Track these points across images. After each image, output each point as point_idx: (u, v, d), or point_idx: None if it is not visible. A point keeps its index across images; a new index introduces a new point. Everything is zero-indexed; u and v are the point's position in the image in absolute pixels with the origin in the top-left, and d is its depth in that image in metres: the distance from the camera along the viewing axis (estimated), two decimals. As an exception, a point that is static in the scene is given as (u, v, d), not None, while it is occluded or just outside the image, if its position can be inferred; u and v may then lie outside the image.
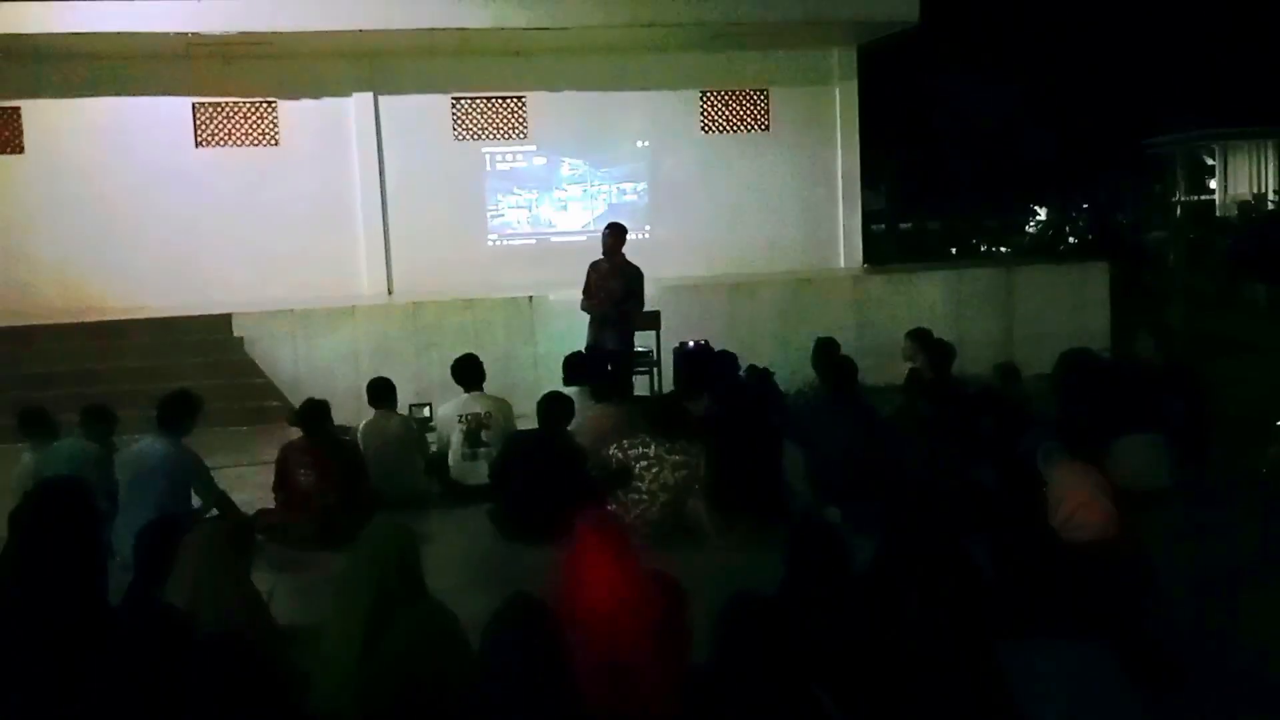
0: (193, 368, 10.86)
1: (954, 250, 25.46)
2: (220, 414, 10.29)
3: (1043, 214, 29.53)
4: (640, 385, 9.94)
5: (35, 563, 3.35)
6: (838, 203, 14.41)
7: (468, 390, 7.40)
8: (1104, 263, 13.29)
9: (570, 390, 7.55)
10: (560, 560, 3.59)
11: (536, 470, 6.13)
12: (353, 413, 8.13)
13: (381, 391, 7.28)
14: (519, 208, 13.82)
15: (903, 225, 26.83)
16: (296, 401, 10.37)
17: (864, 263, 14.46)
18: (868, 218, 15.16)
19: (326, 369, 10.90)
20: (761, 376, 8.17)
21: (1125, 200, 30.16)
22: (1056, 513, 3.98)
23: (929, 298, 12.41)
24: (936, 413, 6.86)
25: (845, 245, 14.44)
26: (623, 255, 9.12)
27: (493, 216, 13.75)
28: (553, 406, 6.48)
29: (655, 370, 10.24)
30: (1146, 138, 29.68)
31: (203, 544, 3.48)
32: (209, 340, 11.21)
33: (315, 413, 6.60)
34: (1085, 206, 29.34)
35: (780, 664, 2.65)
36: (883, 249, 20.95)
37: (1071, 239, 24.94)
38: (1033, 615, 3.53)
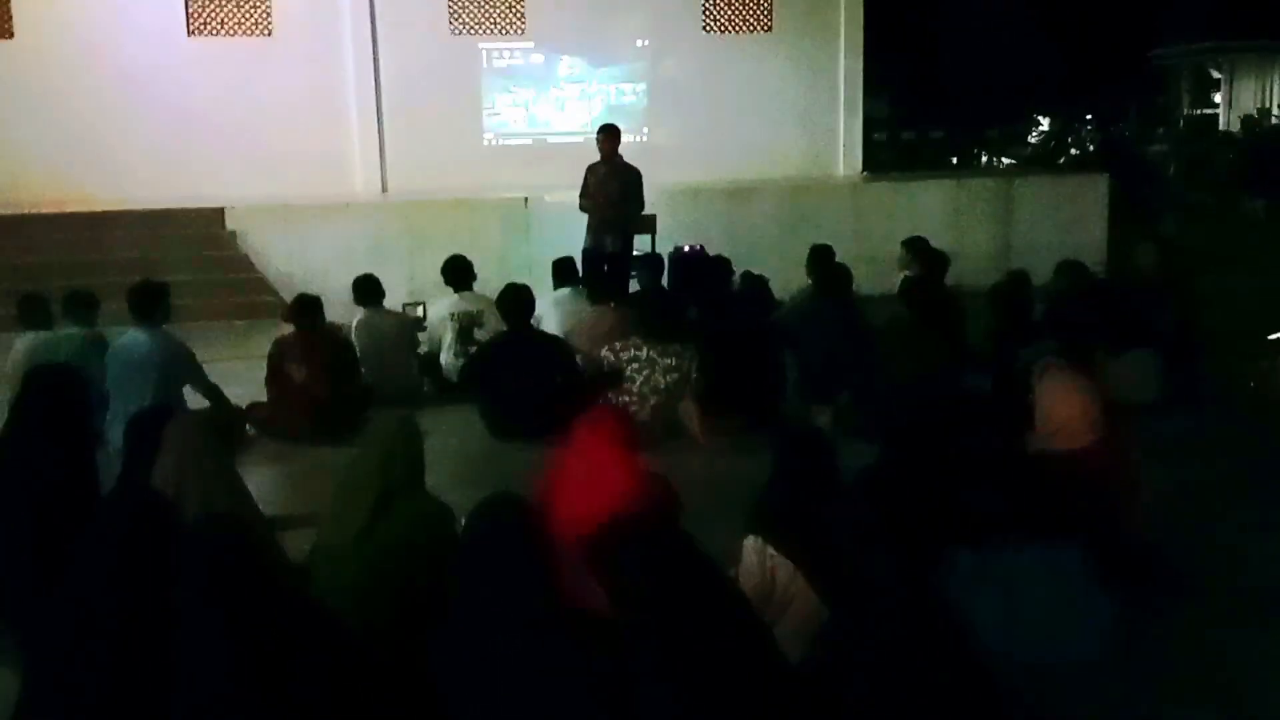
0: (184, 261, 10.82)
1: (955, 160, 25.22)
2: (213, 308, 10.32)
3: (1046, 125, 29.16)
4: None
5: (27, 448, 3.38)
6: (839, 109, 14.24)
7: (458, 290, 7.37)
8: (1103, 175, 13.18)
9: (562, 293, 7.55)
10: (556, 456, 3.61)
11: (518, 368, 6.14)
12: (346, 310, 8.11)
13: (368, 289, 7.26)
14: (516, 106, 13.64)
15: (905, 134, 26.53)
16: (289, 297, 10.41)
17: (864, 170, 14.34)
18: (870, 125, 14.99)
19: (320, 266, 10.82)
20: (755, 282, 8.15)
21: (1128, 113, 29.76)
22: (1044, 420, 4.00)
23: (928, 207, 12.34)
24: (927, 319, 6.86)
25: (845, 152, 14.32)
26: (620, 157, 9.01)
27: (489, 115, 13.57)
28: (514, 300, 6.44)
29: (651, 274, 10.17)
30: (1152, 49, 29.19)
31: (186, 432, 3.49)
32: (201, 234, 11.16)
33: (308, 307, 6.58)
34: (1089, 118, 28.96)
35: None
36: (884, 157, 20.76)
37: (1073, 151, 24.67)
38: (1009, 520, 3.59)
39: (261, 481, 5.40)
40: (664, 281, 9.98)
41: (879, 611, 2.78)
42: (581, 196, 9.12)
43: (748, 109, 13.85)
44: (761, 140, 13.81)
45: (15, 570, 3.29)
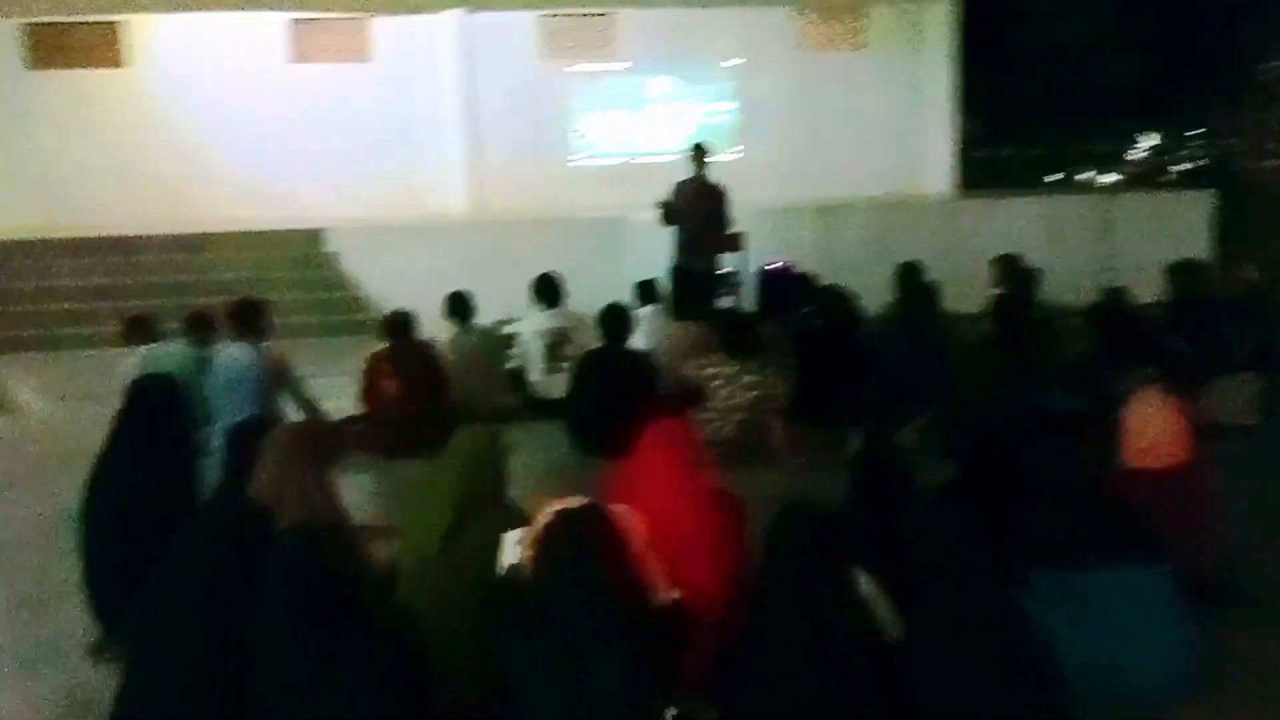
0: (286, 280, 11.19)
1: (1055, 177, 24.71)
2: (313, 326, 10.62)
3: (1146, 140, 28.43)
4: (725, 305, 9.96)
5: (127, 455, 3.55)
6: (932, 126, 14.10)
7: (548, 307, 7.48)
8: (1207, 192, 12.82)
9: (646, 310, 7.61)
10: (621, 468, 3.66)
11: (605, 385, 6.20)
12: (440, 327, 8.30)
13: (459, 306, 7.41)
14: (606, 127, 13.79)
15: (1002, 150, 26.10)
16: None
17: (957, 188, 14.17)
18: (964, 142, 14.81)
19: (415, 284, 11.01)
20: (842, 299, 8.11)
21: (1236, 128, 28.84)
22: (1132, 439, 3.92)
23: (1022, 225, 12.12)
24: (1014, 337, 6.76)
25: (938, 170, 14.15)
26: (708, 175, 9.07)
27: (578, 137, 13.74)
28: (611, 319, 6.51)
29: (739, 292, 10.21)
30: (1260, 62, 28.23)
31: (285, 442, 3.61)
32: (302, 254, 11.50)
33: (400, 324, 6.75)
34: (1194, 134, 28.14)
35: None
36: (979, 175, 20.45)
37: (1178, 167, 24.00)
38: (1090, 539, 3.52)
39: (353, 494, 5.56)
40: (752, 297, 10.07)
41: (956, 628, 2.78)
42: (667, 214, 9.17)
43: (840, 126, 13.85)
44: (853, 158, 13.77)
45: (115, 573, 3.45)
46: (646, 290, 7.90)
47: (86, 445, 3.98)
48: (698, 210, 8.94)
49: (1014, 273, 8.05)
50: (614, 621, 2.56)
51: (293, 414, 6.46)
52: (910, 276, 7.42)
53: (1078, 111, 24.67)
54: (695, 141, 9.38)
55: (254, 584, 2.72)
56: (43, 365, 9.59)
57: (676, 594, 2.98)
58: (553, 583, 2.66)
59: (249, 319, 6.35)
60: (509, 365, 7.55)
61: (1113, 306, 6.65)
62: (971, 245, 11.57)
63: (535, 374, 7.35)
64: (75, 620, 3.83)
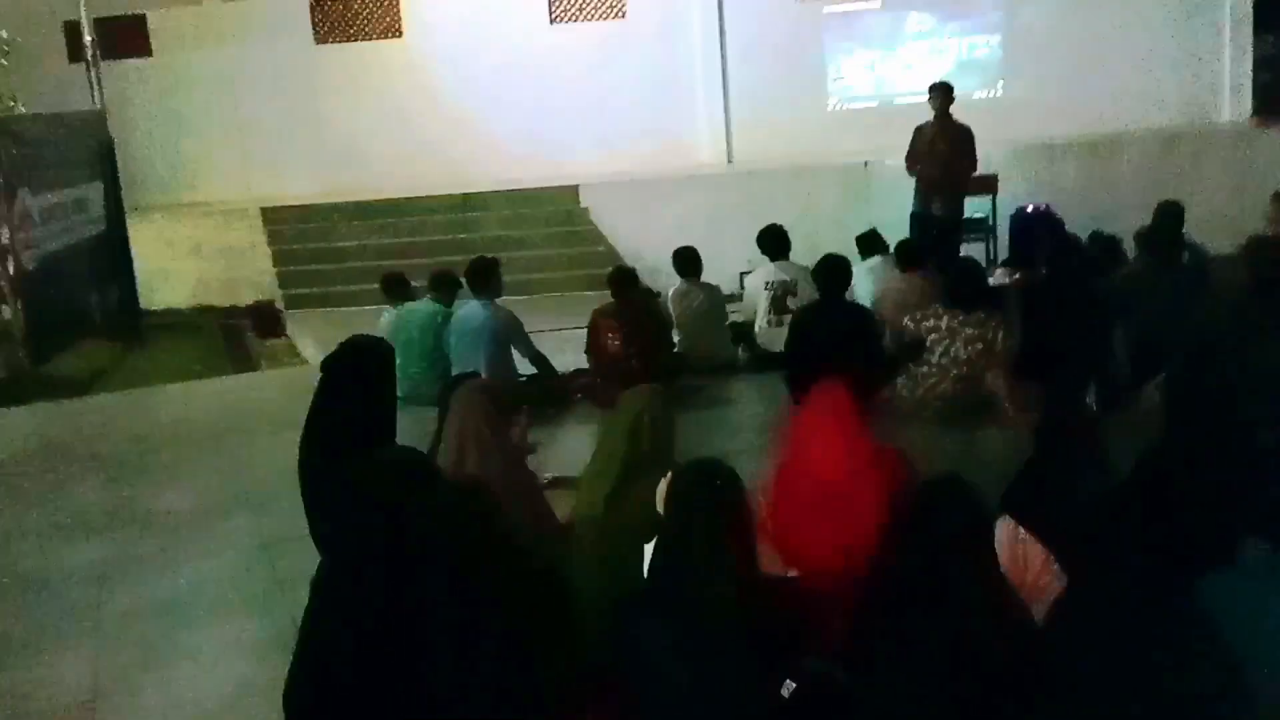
0: (544, 237, 11.70)
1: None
2: (567, 281, 11.06)
3: None
4: (975, 254, 9.53)
5: (329, 408, 3.87)
6: (1223, 47, 12.75)
7: (774, 259, 7.43)
8: None
9: (874, 260, 7.41)
10: (791, 424, 3.63)
11: (825, 339, 6.10)
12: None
13: (686, 260, 7.48)
14: (861, 69, 13.40)
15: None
16: (639, 267, 10.95)
17: (1253, 115, 12.78)
18: (1262, 65, 13.29)
19: (665, 237, 11.20)
20: (1106, 245, 7.57)
21: None
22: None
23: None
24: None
25: (1230, 96, 12.80)
26: (950, 116, 8.67)
27: (833, 80, 13.44)
28: (826, 272, 6.36)
29: (990, 238, 9.76)
30: None
31: (468, 400, 3.82)
32: (559, 211, 11.96)
33: (623, 279, 6.91)
34: None
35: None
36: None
37: None
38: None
39: (576, 446, 5.80)
40: (1004, 244, 9.59)
41: (1102, 620, 2.60)
42: (909, 159, 8.86)
43: (1114, 54, 12.75)
44: (1130, 87, 12.67)
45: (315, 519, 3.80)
46: (872, 240, 7.69)
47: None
48: (938, 154, 8.56)
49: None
50: (732, 584, 2.56)
51: (525, 368, 6.82)
52: (1161, 217, 6.81)
53: None
54: (936, 81, 8.95)
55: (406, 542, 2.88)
56: (329, 321, 10.51)
57: (793, 573, 2.91)
58: (673, 537, 2.70)
59: (482, 277, 6.70)
60: (735, 318, 7.58)
61: None
62: (1268, 180, 10.49)
63: (760, 327, 7.34)
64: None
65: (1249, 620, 3.20)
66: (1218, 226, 8.16)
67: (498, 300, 6.79)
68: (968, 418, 5.76)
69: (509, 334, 6.61)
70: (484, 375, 6.40)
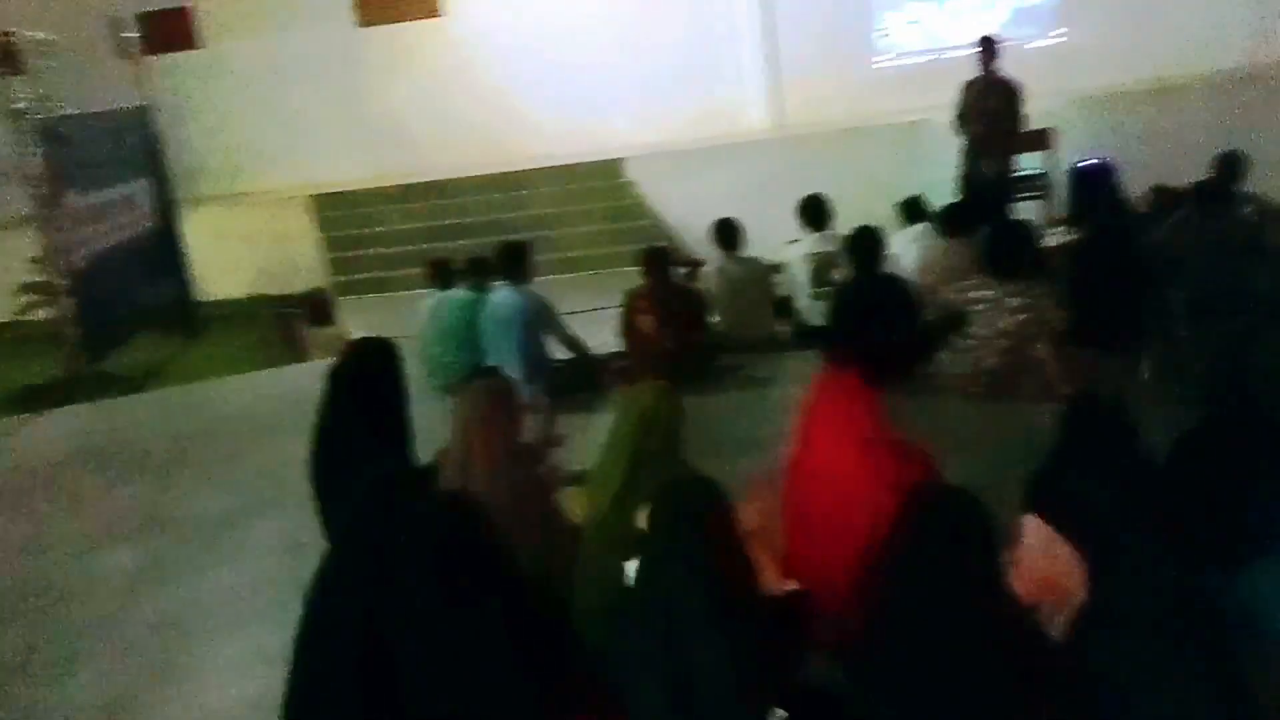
0: (589, 213, 11.55)
1: None
2: (612, 258, 10.90)
3: None
4: (1032, 212, 9.19)
5: (334, 420, 3.80)
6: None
7: (816, 230, 7.19)
8: None
9: (917, 229, 7.15)
10: (804, 408, 3.46)
11: (863, 314, 5.89)
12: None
13: (726, 233, 7.28)
14: (910, 23, 12.96)
15: None
16: (686, 241, 10.77)
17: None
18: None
19: (712, 207, 10.99)
20: (1167, 199, 7.22)
21: None
22: None
23: None
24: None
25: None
26: (998, 71, 8.31)
27: (882, 36, 13.02)
28: (859, 244, 6.12)
29: (1050, 195, 9.38)
30: None
31: (471, 399, 3.70)
32: (604, 185, 11.80)
33: (656, 258, 6.74)
34: None
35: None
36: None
37: None
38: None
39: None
40: (1064, 199, 9.19)
41: (1118, 620, 2.41)
42: (958, 116, 8.53)
43: (1179, -8, 12.11)
44: (1200, 28, 11.99)
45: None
46: (915, 207, 7.41)
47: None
48: (986, 111, 8.23)
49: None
50: (715, 606, 2.42)
51: (560, 353, 6.71)
52: (1221, 166, 6.45)
53: None
54: (983, 35, 8.59)
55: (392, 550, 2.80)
56: (374, 307, 10.52)
57: (793, 585, 2.75)
58: (652, 556, 2.56)
59: (513, 262, 6.58)
60: (778, 293, 7.36)
61: None
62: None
63: (802, 301, 7.12)
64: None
65: None
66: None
67: (530, 284, 6.67)
68: (1016, 392, 5.52)
69: (541, 320, 6.50)
70: (517, 362, 6.35)
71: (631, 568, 2.79)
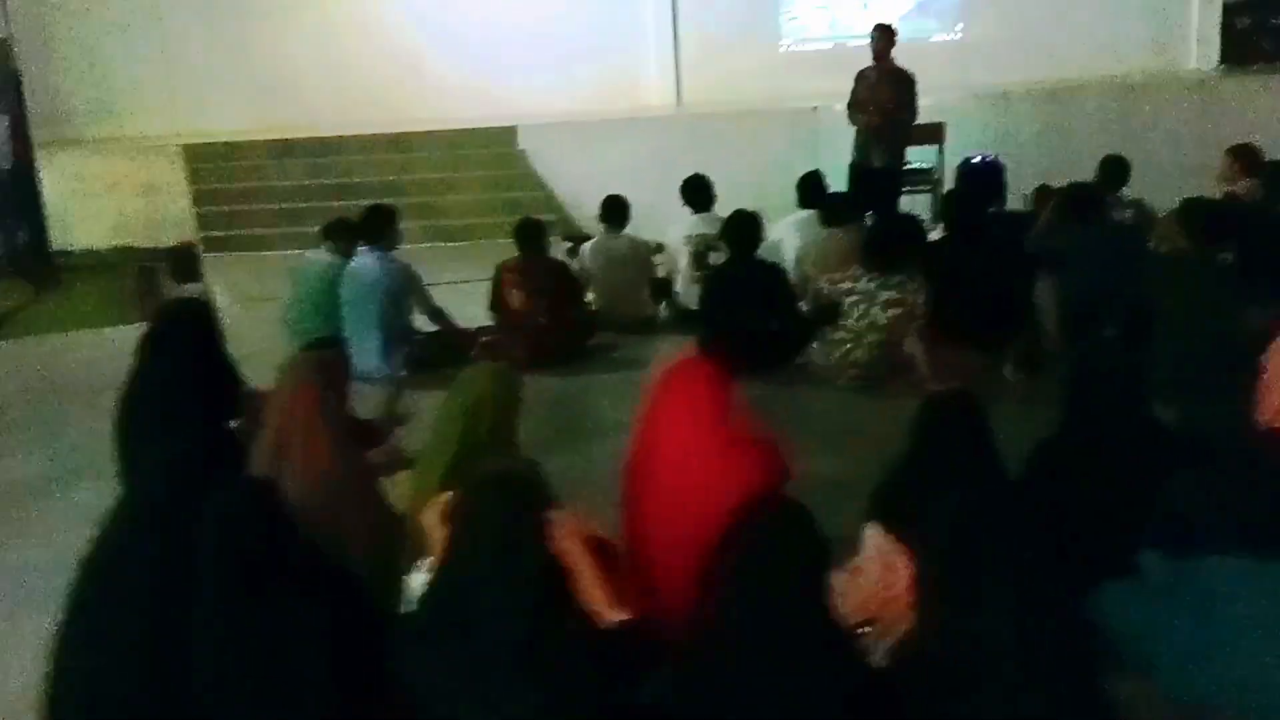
0: (478, 181, 11.18)
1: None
2: (499, 228, 10.54)
3: None
4: (920, 206, 9.12)
5: (145, 380, 3.47)
6: (1193, -10, 12.24)
7: (697, 211, 7.00)
8: None
9: (805, 214, 7.00)
10: (647, 400, 3.23)
11: (736, 300, 5.71)
12: (629, 227, 8.04)
13: (612, 210, 7.05)
14: (817, 8, 12.81)
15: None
16: (577, 215, 10.49)
17: (1221, 64, 12.30)
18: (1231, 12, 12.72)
19: (606, 183, 10.74)
20: (1050, 200, 7.17)
21: None
22: (1268, 394, 3.12)
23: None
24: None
25: (1197, 44, 12.30)
26: (893, 60, 8.19)
27: (788, 19, 12.86)
28: (734, 229, 5.94)
29: (935, 190, 9.33)
30: None
31: (292, 377, 3.40)
32: (495, 153, 11.42)
33: (529, 232, 6.48)
34: None
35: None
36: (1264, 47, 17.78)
37: None
38: (1219, 519, 2.82)
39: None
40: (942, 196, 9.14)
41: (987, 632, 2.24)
42: (850, 106, 8.40)
43: (1079, -3, 12.17)
44: (1094, 32, 12.09)
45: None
46: (813, 185, 7.24)
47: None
48: (877, 101, 8.10)
49: (1253, 166, 6.86)
50: (524, 642, 2.15)
51: (425, 325, 6.40)
52: (1105, 170, 6.44)
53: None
54: (879, 23, 8.45)
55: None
56: (248, 265, 10.02)
57: (625, 615, 2.50)
58: (448, 567, 2.31)
59: (377, 226, 6.25)
60: (658, 274, 7.15)
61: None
62: (1233, 132, 10.07)
63: (681, 283, 6.93)
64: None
65: (1149, 632, 2.91)
66: (1179, 179, 7.80)
67: (395, 251, 6.35)
68: (886, 387, 5.41)
69: (405, 289, 6.18)
70: (376, 333, 6.03)
71: (417, 580, 2.53)
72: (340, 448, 3.39)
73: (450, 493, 2.62)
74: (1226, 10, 12.40)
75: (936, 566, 2.47)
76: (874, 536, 2.91)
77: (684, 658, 2.36)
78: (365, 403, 4.94)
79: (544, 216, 10.52)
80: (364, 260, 6.18)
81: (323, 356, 3.56)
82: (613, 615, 2.43)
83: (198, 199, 11.11)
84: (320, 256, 6.68)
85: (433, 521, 2.60)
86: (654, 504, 3.06)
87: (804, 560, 2.20)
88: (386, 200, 10.21)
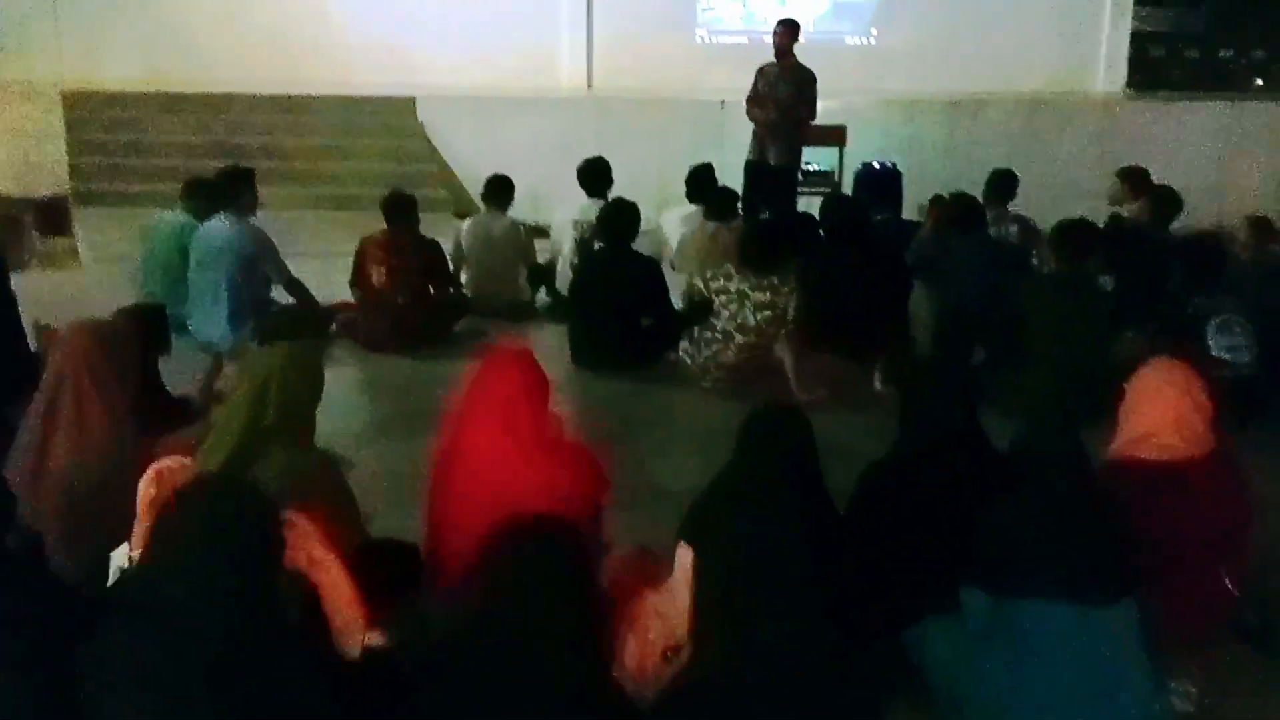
0: (372, 149, 10.77)
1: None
2: (390, 199, 10.19)
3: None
4: (815, 207, 9.00)
5: None
6: (1102, 18, 12.31)
7: (591, 195, 6.73)
8: None
9: (691, 208, 6.79)
10: (455, 405, 2.98)
11: (606, 293, 5.48)
12: (529, 208, 7.78)
13: (495, 189, 6.77)
14: (733, 1, 12.63)
15: (1222, 52, 23.02)
16: (474, 190, 10.14)
17: (1127, 87, 12.41)
18: (1139, 38, 12.84)
19: (507, 161, 10.41)
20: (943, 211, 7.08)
21: None
22: (1126, 422, 2.99)
23: (1198, 133, 10.62)
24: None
25: (1105, 68, 12.40)
26: (794, 57, 8.02)
27: (704, 10, 12.66)
28: (613, 217, 5.71)
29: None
30: None
31: (67, 342, 3.05)
32: (392, 123, 11.03)
33: (398, 205, 6.16)
34: None
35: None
36: (1176, 75, 18.11)
37: None
38: (1043, 555, 2.66)
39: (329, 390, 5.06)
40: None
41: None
42: (749, 101, 8.21)
43: (996, 10, 12.11)
44: (1009, 48, 12.08)
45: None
46: (703, 178, 7.03)
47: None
48: (776, 98, 7.92)
49: (1145, 190, 6.86)
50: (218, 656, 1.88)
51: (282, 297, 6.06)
52: (993, 184, 6.36)
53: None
54: (784, 17, 8.26)
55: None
56: (121, 221, 9.49)
57: (374, 638, 2.24)
58: (151, 572, 2.03)
59: (233, 188, 5.88)
60: (539, 258, 6.88)
61: (1200, 241, 5.31)
62: (1132, 155, 10.14)
63: (562, 268, 6.67)
64: None
65: (963, 672, 2.77)
66: (1076, 199, 7.79)
67: (252, 216, 5.99)
68: (753, 391, 5.22)
69: (258, 257, 5.82)
70: (224, 302, 5.69)
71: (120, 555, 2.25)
72: (116, 419, 3.08)
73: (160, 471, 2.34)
74: (1139, 38, 12.51)
75: (718, 588, 2.26)
76: (684, 556, 2.71)
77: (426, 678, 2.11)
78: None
79: (438, 193, 10.36)
80: (216, 223, 5.80)
81: (111, 320, 3.22)
82: (359, 638, 2.17)
83: (74, 149, 10.52)
84: (175, 216, 6.29)
85: (144, 499, 2.33)
86: (456, 497, 2.83)
87: (553, 591, 1.97)
88: (275, 163, 10.08)
